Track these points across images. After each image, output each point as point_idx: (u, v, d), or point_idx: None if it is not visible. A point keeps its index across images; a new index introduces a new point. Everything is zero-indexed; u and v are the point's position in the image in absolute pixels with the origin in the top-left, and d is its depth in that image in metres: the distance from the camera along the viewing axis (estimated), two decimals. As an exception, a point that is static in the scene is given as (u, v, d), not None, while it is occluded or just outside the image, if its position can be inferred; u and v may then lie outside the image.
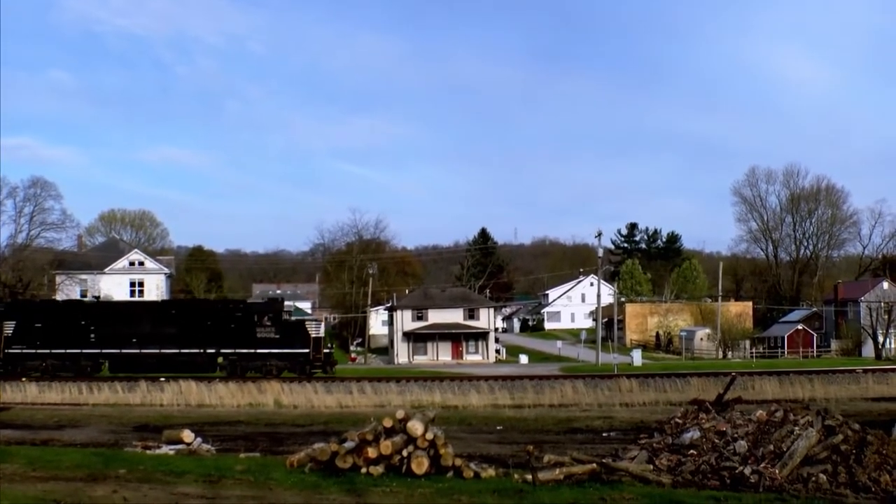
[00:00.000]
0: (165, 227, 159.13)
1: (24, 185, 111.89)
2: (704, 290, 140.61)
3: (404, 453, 19.88)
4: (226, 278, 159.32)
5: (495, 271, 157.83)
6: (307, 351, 62.95)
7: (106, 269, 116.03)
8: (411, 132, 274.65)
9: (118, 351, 63.14)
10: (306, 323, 66.89)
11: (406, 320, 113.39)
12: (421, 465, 19.55)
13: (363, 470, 19.68)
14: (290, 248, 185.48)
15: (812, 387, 54.15)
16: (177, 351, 62.76)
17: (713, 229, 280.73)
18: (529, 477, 18.85)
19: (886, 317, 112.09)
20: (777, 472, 18.36)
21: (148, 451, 25.98)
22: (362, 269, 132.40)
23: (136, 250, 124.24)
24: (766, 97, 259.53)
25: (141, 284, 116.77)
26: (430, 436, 20.07)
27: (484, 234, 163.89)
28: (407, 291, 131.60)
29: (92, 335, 63.24)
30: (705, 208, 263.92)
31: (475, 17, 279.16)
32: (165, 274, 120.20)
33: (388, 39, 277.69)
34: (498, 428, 38.78)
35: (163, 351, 62.68)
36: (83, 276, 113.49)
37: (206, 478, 20.07)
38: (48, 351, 62.62)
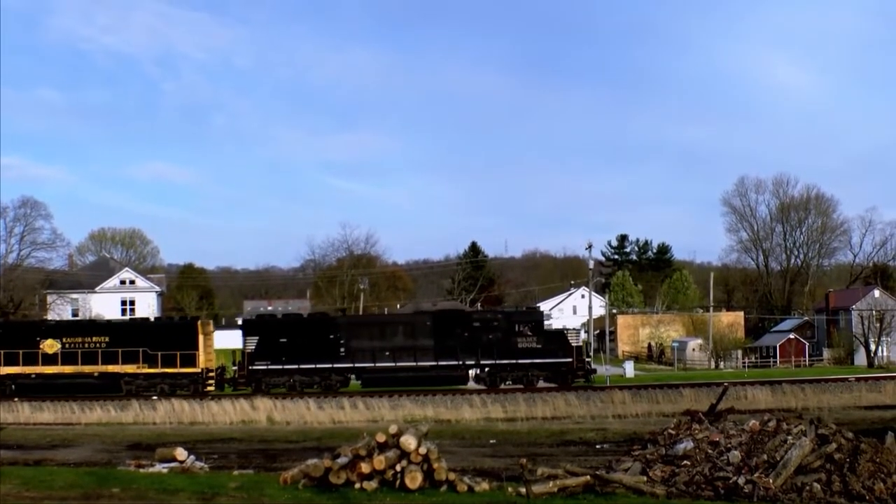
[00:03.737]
0: (156, 245, 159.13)
1: (13, 205, 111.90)
2: (696, 300, 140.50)
3: (398, 468, 19.87)
4: (217, 295, 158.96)
5: (486, 284, 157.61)
6: (570, 360, 62.11)
7: (97, 288, 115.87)
8: (400, 145, 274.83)
9: (371, 364, 62.09)
10: (566, 332, 65.90)
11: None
12: (415, 479, 19.54)
13: (357, 485, 19.67)
14: (281, 265, 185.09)
15: (805, 396, 54.25)
16: (434, 363, 61.96)
17: (703, 239, 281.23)
18: (523, 490, 18.83)
19: (878, 325, 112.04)
20: (771, 481, 18.38)
21: (141, 470, 25.91)
22: (353, 284, 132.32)
23: (126, 269, 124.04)
24: (755, 106, 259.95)
25: (132, 303, 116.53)
26: (423, 450, 20.06)
27: (474, 248, 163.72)
28: (398, 306, 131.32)
29: (342, 349, 62.32)
30: (695, 218, 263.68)
31: (462, 28, 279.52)
32: (157, 292, 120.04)
33: (374, 52, 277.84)
34: (491, 441, 38.78)
35: (419, 363, 61.91)
36: (74, 296, 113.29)
37: (200, 495, 20.05)
38: (295, 367, 61.68)
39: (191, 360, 62.19)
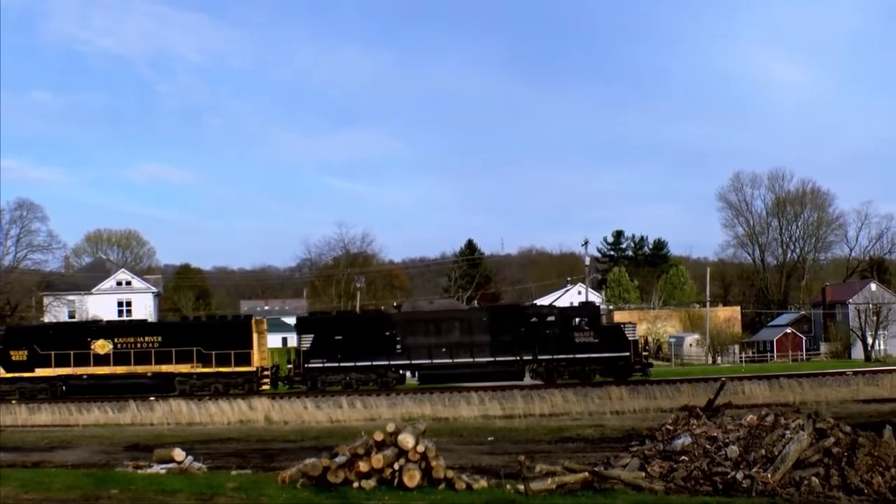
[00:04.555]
0: (152, 246, 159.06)
1: (9, 208, 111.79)
2: (692, 295, 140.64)
3: (396, 466, 19.87)
4: (213, 295, 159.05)
5: (483, 282, 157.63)
6: (627, 354, 61.83)
7: (93, 290, 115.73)
8: (396, 144, 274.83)
9: (428, 361, 61.88)
10: (623, 327, 65.72)
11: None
12: (413, 477, 19.54)
13: (355, 484, 19.67)
14: (277, 264, 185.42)
15: (802, 390, 54.23)
16: (491, 359, 61.64)
17: (700, 235, 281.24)
18: (522, 487, 18.85)
19: (875, 318, 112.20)
20: (769, 476, 18.38)
21: (139, 471, 25.90)
22: (350, 283, 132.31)
23: (123, 270, 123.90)
24: (750, 101, 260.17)
25: (129, 304, 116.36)
26: (421, 448, 20.06)
27: (471, 245, 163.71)
28: (395, 304, 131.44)
29: (398, 346, 62.07)
30: (691, 214, 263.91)
31: (458, 28, 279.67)
32: (153, 293, 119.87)
33: (371, 52, 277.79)
34: (489, 439, 38.74)
35: (476, 360, 61.63)
36: (71, 298, 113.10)
37: (199, 496, 20.05)
38: (352, 364, 61.41)
39: (245, 359, 62.10)
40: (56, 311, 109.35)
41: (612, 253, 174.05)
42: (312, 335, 62.14)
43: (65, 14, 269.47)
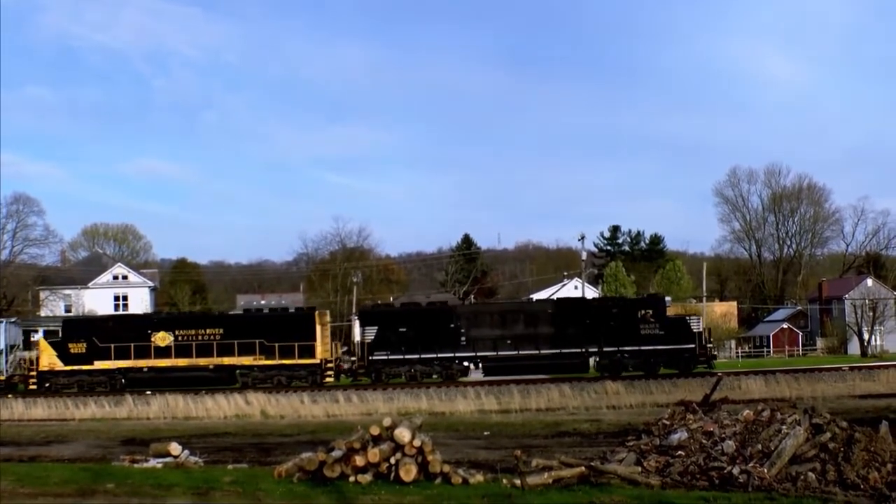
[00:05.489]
0: (148, 241, 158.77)
1: (6, 202, 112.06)
2: (689, 290, 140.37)
3: (392, 461, 19.87)
4: (210, 290, 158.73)
5: (479, 277, 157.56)
6: (692, 346, 61.71)
7: (90, 284, 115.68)
8: (391, 139, 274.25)
9: (493, 353, 61.64)
10: (688, 318, 65.54)
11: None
12: (409, 472, 19.53)
13: (351, 478, 19.67)
14: (274, 259, 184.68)
15: (798, 385, 54.31)
16: (556, 351, 61.38)
17: (696, 230, 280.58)
18: (518, 482, 18.84)
19: (871, 314, 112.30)
20: (765, 471, 18.38)
21: (136, 465, 25.92)
22: (346, 277, 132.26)
23: (119, 264, 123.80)
24: (746, 97, 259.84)
25: (125, 298, 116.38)
26: (417, 443, 20.05)
27: (467, 240, 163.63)
28: (391, 299, 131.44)
29: (463, 338, 62.00)
30: (688, 209, 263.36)
31: (452, 22, 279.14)
32: (150, 287, 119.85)
33: (365, 46, 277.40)
34: (485, 433, 38.81)
35: (541, 352, 61.41)
36: (67, 292, 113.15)
37: (195, 490, 20.06)
38: (417, 356, 61.38)
39: (309, 352, 61.90)
40: (52, 306, 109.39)
41: (608, 248, 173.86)
42: (376, 327, 62.16)
43: (59, 9, 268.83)
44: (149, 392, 57.79)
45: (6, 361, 63.76)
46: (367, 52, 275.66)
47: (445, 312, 64.59)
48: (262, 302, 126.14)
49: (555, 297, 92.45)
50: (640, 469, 19.74)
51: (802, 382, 55.29)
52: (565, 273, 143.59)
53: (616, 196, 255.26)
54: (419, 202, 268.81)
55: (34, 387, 61.89)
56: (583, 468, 19.46)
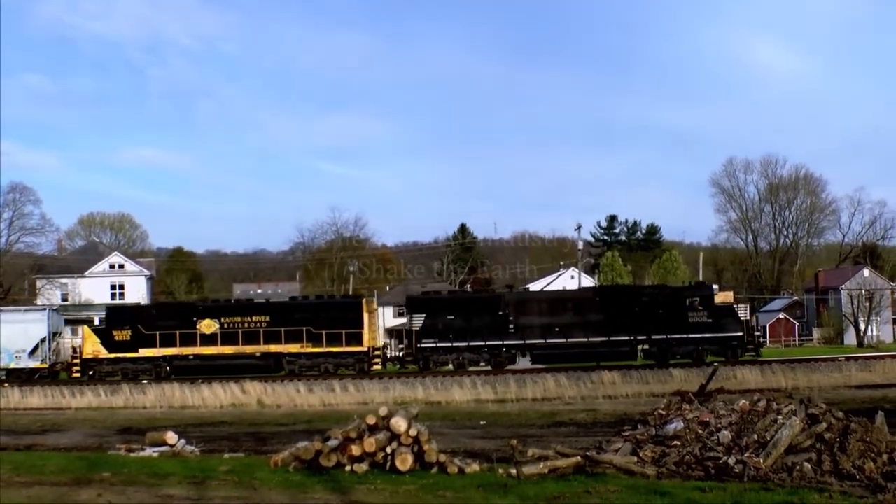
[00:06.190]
0: (145, 230, 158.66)
1: (2, 191, 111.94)
2: (685, 280, 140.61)
3: (388, 450, 19.89)
4: (206, 279, 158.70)
5: (475, 266, 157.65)
6: (741, 334, 62.07)
7: (86, 273, 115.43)
8: (388, 128, 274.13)
9: (542, 341, 61.85)
10: (736, 306, 65.55)
11: (388, 317, 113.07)
12: (405, 461, 19.55)
13: (347, 468, 19.69)
14: (270, 248, 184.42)
15: (795, 376, 54.29)
16: (605, 339, 61.53)
17: (692, 220, 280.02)
18: (514, 471, 18.85)
19: (868, 304, 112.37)
20: (761, 461, 18.39)
21: (132, 454, 25.94)
22: (343, 266, 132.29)
23: (115, 253, 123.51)
24: (742, 87, 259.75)
25: (122, 287, 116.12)
26: (413, 432, 20.08)
27: (463, 230, 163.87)
28: (388, 288, 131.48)
29: (511, 326, 62.14)
30: (684, 199, 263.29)
31: (448, 11, 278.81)
32: (146, 276, 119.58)
33: (361, 36, 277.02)
34: (481, 423, 38.80)
35: (589, 339, 61.59)
36: (63, 281, 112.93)
37: (191, 479, 20.06)
38: (465, 344, 61.64)
39: (357, 339, 62.09)
40: (49, 295, 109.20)
41: (605, 238, 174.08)
42: (424, 315, 62.45)
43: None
44: (145, 381, 57.82)
45: (49, 349, 63.81)
46: (364, 42, 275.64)
47: (494, 300, 64.88)
48: (259, 291, 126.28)
49: (551, 287, 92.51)
50: (635, 459, 19.75)
51: (798, 373, 55.27)
52: (561, 263, 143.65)
53: (613, 186, 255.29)
54: (415, 192, 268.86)
55: (77, 375, 62.05)
56: (578, 458, 19.47)
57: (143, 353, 61.77)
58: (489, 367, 60.99)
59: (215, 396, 52.81)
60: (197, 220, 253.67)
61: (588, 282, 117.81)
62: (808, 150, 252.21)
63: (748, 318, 63.80)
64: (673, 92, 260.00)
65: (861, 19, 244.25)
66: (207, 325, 62.00)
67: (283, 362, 61.92)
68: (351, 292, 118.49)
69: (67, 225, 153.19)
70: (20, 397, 54.74)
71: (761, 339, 66.04)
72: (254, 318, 62.69)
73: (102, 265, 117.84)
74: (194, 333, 61.95)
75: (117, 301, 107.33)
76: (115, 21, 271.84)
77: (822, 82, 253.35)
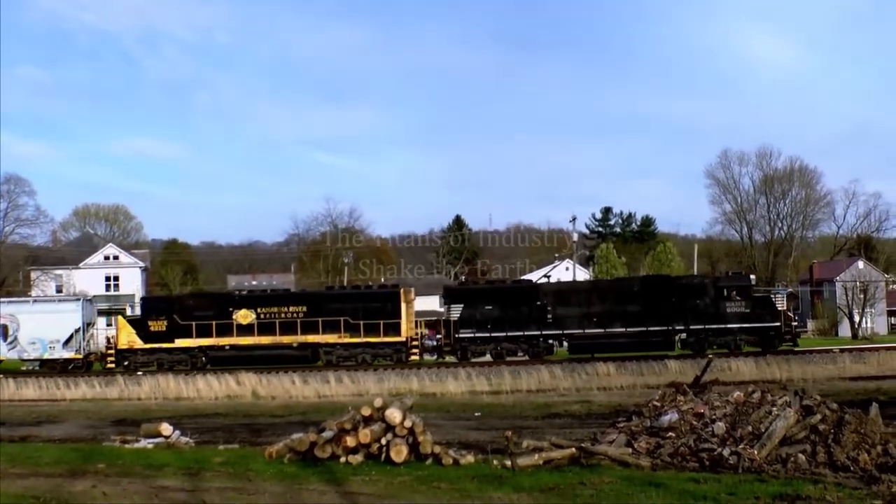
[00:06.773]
0: (139, 221, 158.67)
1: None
2: (680, 272, 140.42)
3: (383, 441, 19.91)
4: (201, 270, 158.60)
5: (470, 258, 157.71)
6: (778, 325, 61.91)
7: (81, 264, 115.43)
8: (383, 119, 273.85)
9: (580, 331, 61.89)
10: (773, 296, 65.53)
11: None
12: (400, 452, 19.57)
13: (342, 459, 19.70)
14: (265, 239, 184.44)
15: (789, 367, 54.28)
16: (643, 329, 61.50)
17: (687, 212, 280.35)
18: (509, 463, 18.87)
19: (862, 296, 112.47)
20: (756, 452, 18.41)
21: (126, 446, 25.92)
22: (337, 258, 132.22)
23: (110, 244, 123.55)
24: (737, 78, 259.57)
25: (116, 279, 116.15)
26: (408, 423, 20.09)
27: (458, 221, 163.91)
28: (383, 279, 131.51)
29: (549, 316, 62.15)
30: (679, 191, 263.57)
31: (443, 2, 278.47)
32: (140, 268, 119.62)
33: (356, 27, 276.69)
34: (476, 414, 38.80)
35: (627, 329, 61.62)
36: (58, 272, 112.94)
37: (186, 470, 20.07)
38: (503, 334, 61.68)
39: (395, 329, 62.12)
40: (43, 286, 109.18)
41: (599, 229, 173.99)
42: (462, 305, 62.56)
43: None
44: (140, 373, 57.80)
45: (83, 339, 63.83)
46: (359, 33, 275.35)
47: (531, 290, 64.88)
48: (254, 282, 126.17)
49: (548, 278, 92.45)
50: (630, 450, 19.76)
51: (793, 364, 55.27)
52: (556, 255, 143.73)
53: (607, 178, 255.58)
54: (410, 183, 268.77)
55: (112, 365, 62.31)
56: (573, 449, 19.49)
57: (179, 343, 62.01)
58: (526, 357, 61.07)
59: (210, 388, 52.80)
60: (192, 211, 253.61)
61: (583, 273, 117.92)
62: (804, 142, 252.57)
63: (785, 307, 63.61)
64: (668, 84, 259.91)
65: (856, 11, 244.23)
66: (244, 316, 62.08)
67: (321, 352, 62.01)
68: (346, 283, 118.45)
69: (62, 216, 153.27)
70: (15, 388, 54.72)
71: (797, 331, 65.53)
72: (290, 309, 62.71)
73: (97, 257, 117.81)
74: (231, 324, 62.09)
75: (112, 293, 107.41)
76: (110, 12, 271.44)
77: (817, 74, 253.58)
